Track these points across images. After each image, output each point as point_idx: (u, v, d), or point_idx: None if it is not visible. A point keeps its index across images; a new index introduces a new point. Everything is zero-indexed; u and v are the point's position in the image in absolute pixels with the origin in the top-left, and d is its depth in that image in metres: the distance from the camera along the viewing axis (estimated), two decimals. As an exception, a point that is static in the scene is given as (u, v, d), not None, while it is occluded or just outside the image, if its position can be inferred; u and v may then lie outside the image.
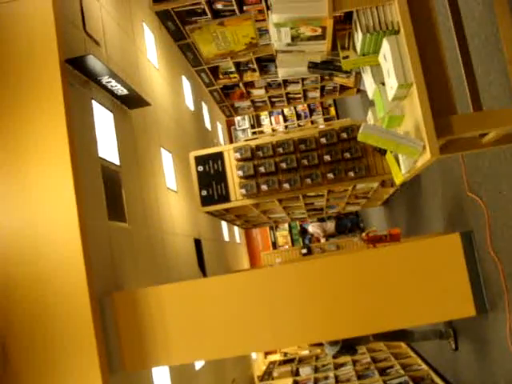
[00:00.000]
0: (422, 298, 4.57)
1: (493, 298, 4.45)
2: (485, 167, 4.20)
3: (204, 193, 6.73)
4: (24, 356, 4.28)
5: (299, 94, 11.76)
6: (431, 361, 7.94)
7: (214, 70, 10.14)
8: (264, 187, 6.48)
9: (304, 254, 13.33)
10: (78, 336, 4.27)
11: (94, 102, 5.53)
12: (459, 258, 4.56)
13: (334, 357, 7.12)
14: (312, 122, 16.11)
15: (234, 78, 10.34)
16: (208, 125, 12.65)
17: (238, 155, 6.57)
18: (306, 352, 12.86)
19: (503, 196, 3.94)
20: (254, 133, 16.03)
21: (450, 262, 4.59)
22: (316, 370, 10.35)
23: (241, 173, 6.52)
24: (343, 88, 11.43)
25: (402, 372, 8.33)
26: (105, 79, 5.47)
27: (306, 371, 10.45)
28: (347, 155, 6.47)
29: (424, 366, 8.07)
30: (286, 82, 11.16)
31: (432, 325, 6.52)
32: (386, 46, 2.67)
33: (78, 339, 4.27)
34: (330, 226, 14.34)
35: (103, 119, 5.73)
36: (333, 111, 16.24)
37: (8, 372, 4.26)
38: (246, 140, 7.73)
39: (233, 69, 9.95)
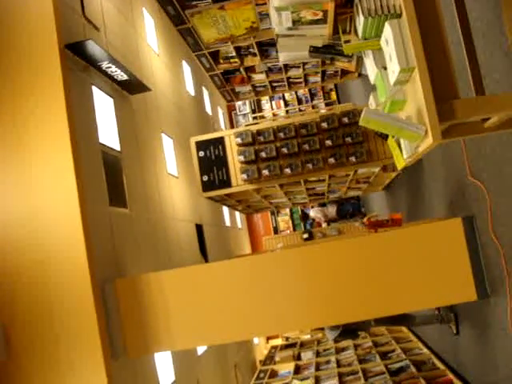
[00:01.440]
0: (424, 283, 4.58)
1: (494, 283, 4.45)
2: (487, 152, 4.19)
3: (205, 178, 6.73)
4: (27, 343, 4.29)
5: (300, 78, 11.73)
6: (432, 345, 7.97)
7: (215, 55, 10.12)
8: (265, 172, 6.47)
9: (305, 239, 13.35)
10: (80, 322, 4.28)
11: (94, 87, 5.50)
12: (461, 243, 4.56)
13: (335, 341, 7.13)
14: (313, 107, 16.08)
15: (235, 62, 10.32)
16: (209, 110, 12.62)
17: (238, 140, 6.55)
18: (307, 336, 12.91)
19: (505, 180, 3.93)
20: (254, 118, 16.01)
21: (452, 247, 4.59)
22: (318, 354, 10.40)
23: (242, 158, 6.51)
24: (344, 72, 11.41)
25: (403, 356, 8.37)
26: (105, 64, 5.44)
27: (307, 355, 10.50)
28: (348, 140, 6.45)
29: (425, 350, 8.10)
30: (286, 67, 11.13)
31: (433, 309, 6.54)
32: (387, 30, 2.65)
33: (81, 325, 4.28)
34: (332, 210, 14.35)
35: (103, 105, 5.71)
36: (334, 96, 16.20)
37: (11, 358, 4.27)
38: (247, 125, 7.71)
39: (233, 53, 9.92)
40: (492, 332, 4.79)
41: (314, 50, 3.35)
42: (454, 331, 6.08)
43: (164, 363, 6.02)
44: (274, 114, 16.12)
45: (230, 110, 16.35)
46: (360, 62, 3.76)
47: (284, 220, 16.71)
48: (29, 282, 4.31)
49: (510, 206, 3.92)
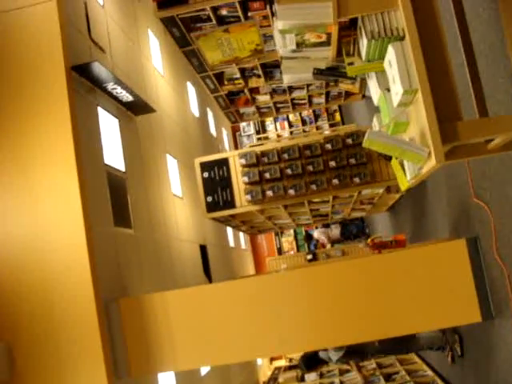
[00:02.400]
0: (428, 304, 4.56)
1: (498, 304, 4.43)
2: (491, 173, 4.20)
3: (209, 199, 6.74)
4: (31, 361, 4.28)
5: (304, 99, 11.77)
6: (437, 367, 7.91)
7: (219, 76, 10.15)
8: (269, 193, 6.48)
9: (309, 260, 13.33)
10: (84, 341, 4.27)
11: (99, 108, 5.54)
12: (465, 264, 4.55)
13: (341, 362, 7.11)
14: (317, 128, 16.11)
15: (239, 84, 10.36)
16: (213, 131, 12.66)
17: (243, 161, 6.57)
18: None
19: (509, 202, 3.93)
20: (259, 139, 16.03)
21: (456, 268, 4.58)
22: (321, 375, 10.32)
23: (246, 179, 6.52)
24: (348, 94, 11.43)
25: (407, 378, 8.30)
26: (110, 86, 5.48)
27: (311, 377, 10.42)
28: (352, 161, 6.46)
29: (429, 372, 8.04)
30: (290, 88, 11.17)
31: (437, 332, 6.52)
32: (391, 52, 2.67)
33: (85, 345, 4.27)
34: (336, 231, 14.34)
35: (109, 126, 5.75)
36: (338, 117, 16.23)
37: (15, 377, 4.26)
38: (252, 146, 7.74)
39: (238, 75, 9.97)
40: (496, 354, 4.76)
41: (318, 72, 3.37)
42: (459, 353, 6.04)
43: (167, 383, 5.99)
44: (278, 135, 16.15)
45: (235, 131, 16.39)
46: (364, 83, 3.78)
47: (288, 241, 16.67)
48: (33, 301, 4.31)
49: (514, 227, 3.92)
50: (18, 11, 4.64)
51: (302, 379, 10.50)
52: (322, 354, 7.03)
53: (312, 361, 7.18)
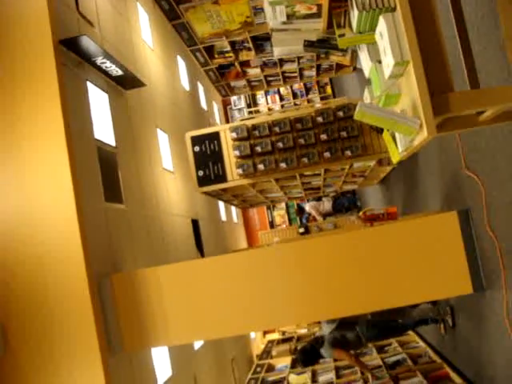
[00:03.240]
0: (420, 276, 4.59)
1: (490, 276, 4.47)
2: (482, 145, 4.20)
3: (201, 173, 6.72)
4: (24, 338, 4.29)
5: (295, 72, 11.73)
6: (429, 338, 7.99)
7: (209, 50, 10.10)
8: (261, 167, 6.47)
9: (301, 233, 13.35)
10: (76, 317, 4.28)
11: (88, 83, 5.49)
12: (456, 236, 4.57)
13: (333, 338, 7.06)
14: (308, 101, 16.07)
15: (230, 57, 10.30)
16: (204, 105, 12.60)
17: (234, 135, 6.55)
18: (304, 330, 12.94)
19: (500, 173, 3.94)
20: (250, 112, 16.00)
21: (448, 240, 4.60)
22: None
23: (237, 152, 6.51)
24: (339, 66, 11.40)
25: (399, 349, 8.39)
26: (99, 60, 5.43)
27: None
28: (344, 134, 6.45)
29: (421, 344, 8.13)
30: (281, 61, 11.12)
31: (429, 304, 6.57)
32: (382, 24, 2.64)
33: (77, 320, 4.28)
34: (327, 204, 14.35)
35: (98, 100, 5.70)
36: (329, 90, 16.19)
37: (8, 354, 4.27)
38: (242, 119, 7.70)
39: (228, 48, 9.92)
40: (488, 325, 4.81)
41: (309, 44, 3.35)
42: (450, 324, 6.10)
43: (161, 358, 6.03)
44: (269, 109, 16.11)
45: (225, 105, 16.33)
46: (355, 55, 3.75)
47: (280, 214, 16.72)
48: (25, 277, 4.30)
49: (505, 198, 3.93)
50: (3, -16, 4.57)
51: (296, 352, 10.57)
52: (323, 352, 6.85)
53: (311, 357, 6.96)
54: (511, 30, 2.69)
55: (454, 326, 6.05)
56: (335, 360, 6.77)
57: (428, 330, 7.82)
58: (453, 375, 6.28)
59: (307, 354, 6.89)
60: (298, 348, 7.56)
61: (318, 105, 12.24)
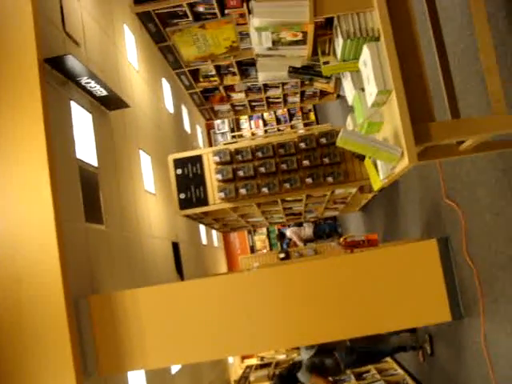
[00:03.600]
0: (399, 303, 4.60)
1: (468, 304, 4.49)
2: (462, 174, 4.24)
3: (182, 196, 6.71)
4: (-3, 358, 4.22)
5: (279, 98, 11.80)
6: (407, 366, 7.98)
7: (195, 73, 10.14)
8: (243, 191, 6.48)
9: (282, 259, 13.35)
10: (52, 338, 4.22)
11: (72, 102, 5.48)
12: (436, 264, 4.60)
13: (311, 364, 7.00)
14: (292, 127, 16.15)
15: (215, 81, 10.35)
16: (187, 128, 12.62)
17: (217, 159, 6.56)
18: (282, 356, 12.86)
19: (479, 203, 3.98)
20: (233, 136, 16.04)
21: (427, 268, 4.63)
22: None
23: (220, 176, 6.51)
24: (323, 93, 11.50)
25: (377, 377, 8.37)
26: (84, 80, 5.43)
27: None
28: (326, 160, 6.49)
29: (400, 371, 8.11)
30: (266, 87, 11.19)
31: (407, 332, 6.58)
32: (366, 53, 2.68)
33: (53, 342, 4.22)
34: (308, 230, 14.37)
35: (82, 120, 5.69)
36: (312, 116, 16.29)
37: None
38: (226, 144, 7.72)
39: (213, 72, 9.96)
40: (466, 353, 4.82)
41: (293, 71, 3.38)
42: (429, 352, 6.10)
43: (137, 381, 5.95)
44: (253, 134, 16.16)
45: (209, 129, 16.36)
46: (338, 83, 3.80)
47: (261, 239, 16.69)
48: (1, 296, 4.25)
49: (484, 227, 3.97)
50: (-10, 2, 4.57)
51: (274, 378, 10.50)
52: (300, 376, 6.83)
53: (288, 381, 6.92)
54: (490, 62, 2.74)
55: (433, 354, 6.05)
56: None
57: (406, 358, 7.81)
58: (430, 404, 6.27)
59: (284, 380, 6.84)
60: (276, 373, 7.52)
61: (301, 131, 12.33)
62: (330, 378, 7.03)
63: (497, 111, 2.69)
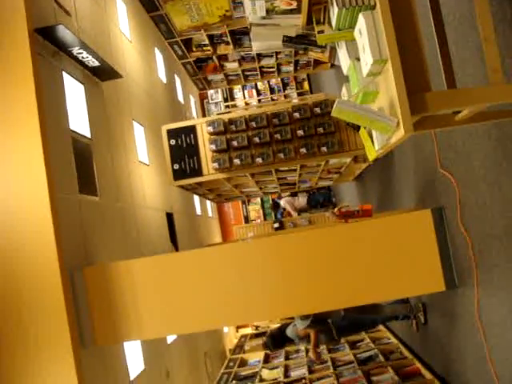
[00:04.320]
0: (393, 273, 4.62)
1: (462, 274, 4.51)
2: (457, 144, 4.23)
3: (176, 166, 6.68)
4: (-7, 330, 4.24)
5: (273, 67, 11.73)
6: (400, 335, 8.06)
7: (187, 43, 10.05)
8: (237, 161, 6.45)
9: (276, 229, 13.39)
10: (48, 311, 4.24)
11: (64, 73, 5.43)
12: (430, 234, 4.61)
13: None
14: (285, 97, 16.08)
15: (208, 50, 10.27)
16: (181, 98, 12.54)
17: (210, 129, 6.52)
18: (277, 325, 12.96)
19: (473, 173, 3.97)
20: (227, 106, 15.96)
21: (421, 238, 4.64)
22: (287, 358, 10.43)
23: (213, 147, 6.48)
24: (317, 63, 11.42)
25: (371, 345, 8.46)
26: (75, 50, 5.37)
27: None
28: (320, 130, 6.46)
29: (393, 340, 8.20)
30: (259, 56, 11.11)
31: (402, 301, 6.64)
32: (361, 21, 2.65)
33: (49, 314, 4.24)
34: (302, 200, 14.40)
35: (74, 91, 5.64)
36: (306, 86, 16.21)
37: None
38: (219, 114, 7.68)
39: (206, 41, 9.87)
40: (459, 322, 4.86)
41: (288, 40, 3.34)
42: (422, 321, 6.15)
43: (133, 352, 5.99)
44: (246, 103, 16.09)
45: (202, 99, 16.28)
46: (333, 52, 3.76)
47: (255, 209, 16.73)
48: (-4, 269, 4.25)
49: (478, 197, 3.97)
50: (-22, -29, 4.49)
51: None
52: (289, 333, 7.04)
53: (279, 340, 7.18)
54: (488, 31, 2.71)
55: (426, 323, 6.11)
56: (302, 338, 6.93)
57: (400, 327, 7.89)
58: (424, 371, 6.34)
59: (275, 337, 7.05)
60: (268, 333, 7.72)
61: (295, 100, 12.25)
62: (324, 346, 7.17)
63: (494, 81, 2.66)
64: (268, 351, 9.06)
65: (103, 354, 5.15)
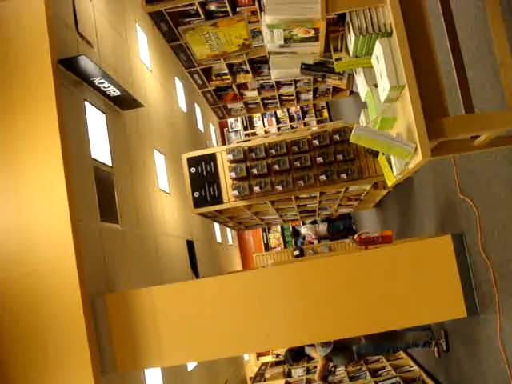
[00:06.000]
0: (414, 299, 4.59)
1: (483, 300, 4.47)
2: (476, 169, 4.22)
3: (196, 194, 6.72)
4: (15, 357, 4.26)
5: (292, 95, 11.77)
6: (422, 362, 7.95)
7: (207, 72, 10.13)
8: (256, 189, 6.47)
9: (296, 256, 13.34)
10: (70, 337, 4.26)
11: (86, 102, 5.52)
12: (451, 260, 4.58)
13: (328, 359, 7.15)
14: (305, 124, 16.13)
15: (227, 79, 10.34)
16: (201, 126, 12.64)
17: (230, 157, 6.56)
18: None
19: (493, 198, 3.96)
20: (246, 134, 16.04)
21: (442, 264, 4.61)
22: (308, 371, 10.36)
23: (233, 174, 6.51)
24: (336, 90, 11.44)
25: (393, 373, 8.35)
26: (97, 80, 5.46)
27: (298, 372, 10.46)
28: (340, 157, 6.47)
29: (415, 368, 8.08)
30: (278, 84, 11.17)
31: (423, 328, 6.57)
32: (378, 48, 2.68)
33: (71, 340, 4.26)
34: (323, 228, 14.35)
35: (96, 120, 5.72)
36: (325, 113, 16.26)
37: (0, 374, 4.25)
38: (239, 142, 7.73)
39: (226, 70, 9.95)
40: (481, 349, 4.80)
41: (306, 68, 3.37)
42: (444, 348, 6.08)
43: (154, 379, 5.98)
44: (266, 131, 16.16)
45: (222, 127, 16.38)
46: (351, 79, 3.79)
47: (275, 237, 16.70)
48: (19, 296, 4.29)
49: (499, 222, 3.95)
50: (3, 4, 4.61)
51: (289, 375, 10.53)
52: (307, 350, 7.07)
53: (298, 354, 7.33)
54: (505, 56, 2.73)
55: (448, 350, 6.03)
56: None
57: (422, 354, 7.79)
58: (447, 400, 6.25)
59: (294, 352, 7.26)
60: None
61: (315, 128, 12.31)
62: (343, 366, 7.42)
63: (511, 105, 2.67)
64: (287, 363, 9.23)
65: (123, 380, 5.15)
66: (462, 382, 5.77)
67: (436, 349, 6.46)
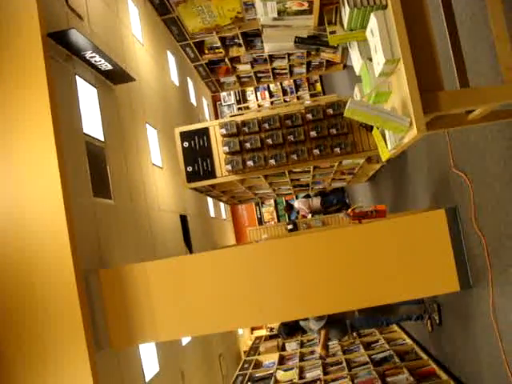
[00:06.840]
0: (407, 273, 4.60)
1: (476, 274, 4.49)
2: (470, 143, 4.21)
3: (189, 169, 6.70)
4: (9, 333, 4.26)
5: (285, 69, 11.71)
6: (415, 336, 8.03)
7: (200, 45, 10.07)
8: (250, 163, 6.46)
9: (290, 230, 13.38)
10: (63, 313, 4.26)
11: (77, 77, 5.46)
12: (444, 234, 4.59)
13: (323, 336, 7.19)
14: (298, 98, 16.06)
15: (220, 53, 10.27)
16: (193, 100, 12.57)
17: (223, 131, 6.53)
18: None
19: (487, 172, 3.95)
20: (239, 108, 15.97)
21: (435, 238, 4.62)
22: (302, 344, 10.44)
23: (226, 149, 6.49)
24: (329, 63, 11.39)
25: (386, 346, 8.43)
26: (88, 54, 5.40)
27: (291, 346, 10.54)
28: (333, 131, 6.45)
29: (408, 341, 8.16)
30: (271, 58, 11.10)
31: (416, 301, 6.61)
32: (373, 21, 2.64)
33: (64, 316, 4.26)
34: (316, 202, 14.36)
35: (87, 95, 5.67)
36: (319, 87, 16.19)
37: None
38: (232, 116, 7.69)
39: (218, 44, 9.88)
40: (474, 323, 4.83)
41: (300, 41, 3.34)
42: (437, 322, 6.12)
43: (148, 354, 6.01)
44: (259, 105, 16.09)
45: (215, 101, 16.30)
46: (345, 53, 3.76)
47: (268, 211, 16.72)
48: (12, 272, 4.28)
49: (492, 197, 3.95)
50: (-8, -24, 4.53)
51: (283, 348, 10.61)
52: (302, 323, 7.11)
53: (292, 328, 7.33)
54: (500, 30, 2.70)
55: (441, 324, 6.08)
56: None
57: (415, 327, 7.85)
58: (439, 372, 6.31)
59: (288, 326, 7.31)
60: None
61: (308, 102, 12.23)
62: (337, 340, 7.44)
63: (507, 79, 2.65)
64: (281, 338, 9.23)
65: (118, 356, 5.17)
66: (454, 355, 5.83)
67: (429, 322, 6.51)
